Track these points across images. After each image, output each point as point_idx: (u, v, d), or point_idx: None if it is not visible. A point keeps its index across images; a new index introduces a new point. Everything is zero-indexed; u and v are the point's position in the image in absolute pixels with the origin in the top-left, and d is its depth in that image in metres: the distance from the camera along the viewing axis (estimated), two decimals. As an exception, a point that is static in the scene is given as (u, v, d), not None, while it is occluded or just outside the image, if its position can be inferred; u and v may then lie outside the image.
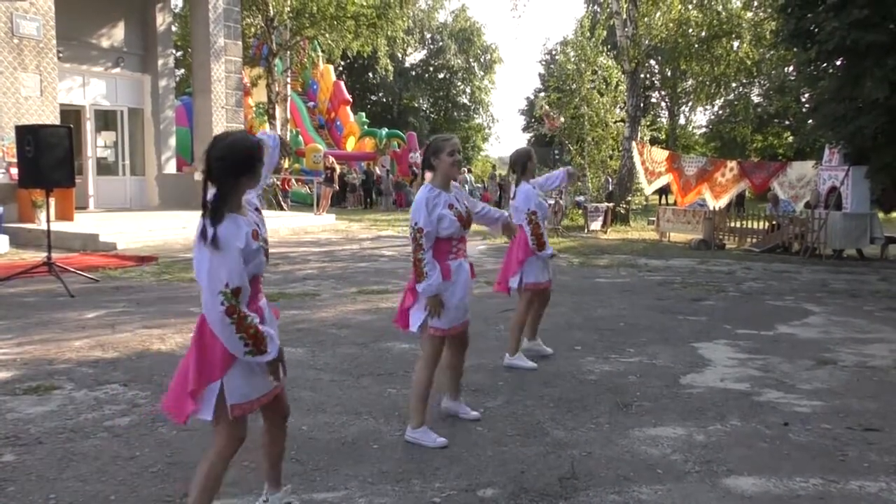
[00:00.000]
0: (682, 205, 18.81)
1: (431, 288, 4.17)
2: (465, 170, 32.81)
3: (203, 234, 2.72)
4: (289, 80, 29.49)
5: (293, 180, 26.60)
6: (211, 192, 2.81)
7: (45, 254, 9.58)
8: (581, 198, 23.06)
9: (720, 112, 45.45)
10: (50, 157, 9.41)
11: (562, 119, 24.22)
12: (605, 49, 24.65)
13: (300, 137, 32.14)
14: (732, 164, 18.46)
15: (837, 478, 3.86)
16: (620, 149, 22.96)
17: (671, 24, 22.67)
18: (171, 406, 2.88)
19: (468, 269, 4.43)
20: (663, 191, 25.82)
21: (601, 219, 19.74)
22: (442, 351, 4.40)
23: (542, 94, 36.74)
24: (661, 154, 20.00)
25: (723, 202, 18.08)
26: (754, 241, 16.04)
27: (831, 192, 14.88)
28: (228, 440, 2.89)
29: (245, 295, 2.76)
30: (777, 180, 17.07)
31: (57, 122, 14.56)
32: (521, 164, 6.02)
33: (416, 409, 4.30)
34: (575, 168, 5.57)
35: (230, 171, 2.80)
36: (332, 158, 23.72)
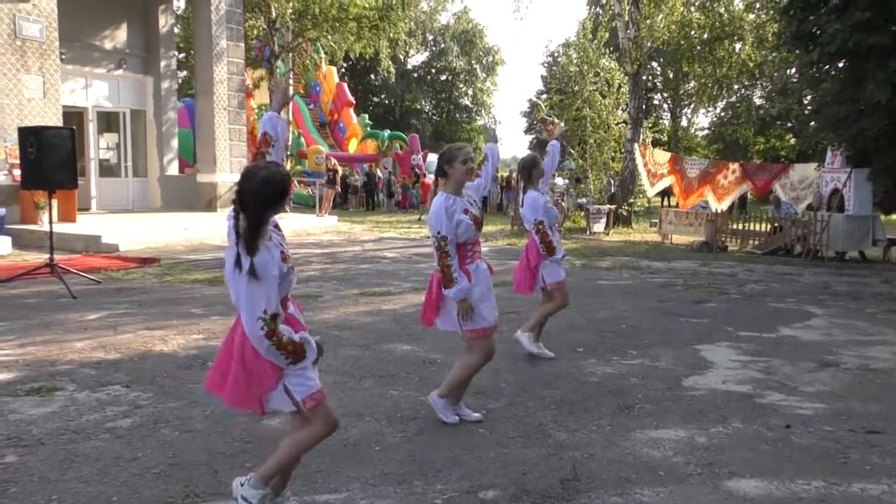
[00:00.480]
0: (684, 207, 18.81)
1: (462, 292, 4.37)
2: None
3: (238, 263, 2.89)
4: (291, 81, 29.52)
5: (295, 182, 26.61)
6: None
7: (47, 255, 9.59)
8: (583, 200, 23.06)
9: (722, 114, 45.42)
10: (52, 158, 9.42)
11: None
12: (608, 51, 24.67)
13: (302, 139, 32.16)
14: (735, 166, 18.46)
15: (840, 480, 3.85)
16: (622, 151, 22.96)
17: (673, 26, 22.67)
18: (240, 403, 3.12)
19: (486, 269, 4.60)
20: (665, 193, 25.79)
21: (603, 221, 19.74)
22: (493, 347, 4.61)
23: (545, 96, 36.77)
24: (663, 156, 20.01)
25: (725, 204, 18.08)
26: (756, 243, 16.03)
27: (833, 194, 14.87)
28: (323, 425, 3.16)
29: (281, 317, 2.97)
30: (779, 182, 17.08)
31: (60, 123, 14.57)
32: (526, 172, 6.13)
33: (456, 390, 4.62)
34: (561, 130, 5.45)
35: (263, 204, 2.94)
36: (333, 160, 23.73)
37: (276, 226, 3.21)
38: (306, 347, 3.02)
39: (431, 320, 4.61)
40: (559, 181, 22.91)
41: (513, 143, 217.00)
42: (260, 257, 2.90)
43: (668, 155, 20.34)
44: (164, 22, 20.64)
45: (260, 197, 2.92)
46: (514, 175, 32.71)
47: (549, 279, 6.25)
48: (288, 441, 3.25)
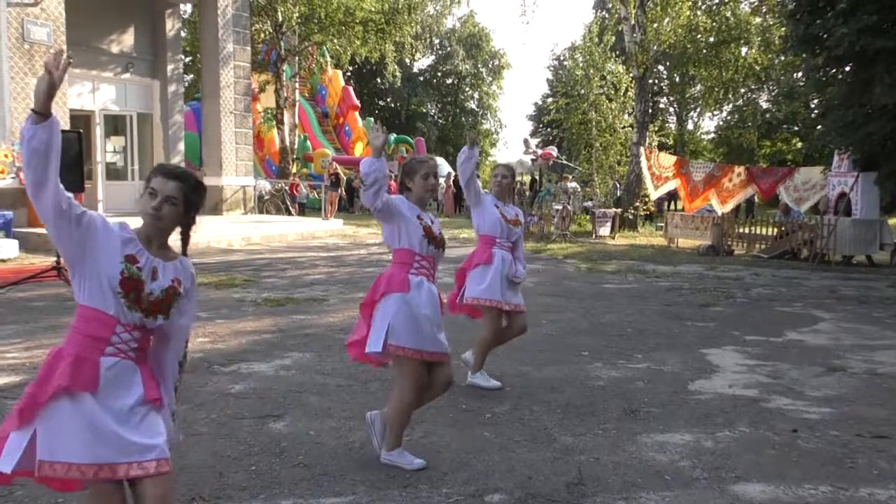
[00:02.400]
0: (689, 210, 18.79)
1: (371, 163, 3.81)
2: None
3: None
4: (297, 85, 29.60)
5: (301, 185, 26.67)
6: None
7: (53, 258, 9.62)
8: (589, 203, 23.05)
9: (728, 118, 45.36)
10: (59, 161, 9.43)
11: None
12: (614, 54, 24.65)
13: (308, 142, 32.22)
14: (740, 169, 18.43)
15: (847, 485, 3.84)
16: (628, 154, 22.94)
17: (680, 30, 22.65)
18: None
19: (434, 293, 4.02)
20: (671, 196, 25.78)
21: (609, 224, 19.72)
22: (420, 372, 3.93)
23: (550, 99, 36.75)
24: (668, 160, 19.99)
25: (729, 207, 18.07)
26: (763, 247, 16.00)
27: (840, 197, 14.83)
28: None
29: None
30: (783, 185, 17.04)
31: (67, 127, 14.61)
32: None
33: (394, 434, 3.97)
34: (473, 134, 5.28)
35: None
36: (335, 165, 23.71)
37: (190, 274, 2.81)
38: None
39: (361, 344, 3.94)
40: (570, 185, 22.92)
41: (518, 148, 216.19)
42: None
43: (673, 158, 20.33)
44: (171, 26, 20.70)
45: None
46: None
47: (467, 292, 5.37)
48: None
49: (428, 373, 4.01)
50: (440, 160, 34.93)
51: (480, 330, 5.50)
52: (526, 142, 25.64)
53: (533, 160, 25.12)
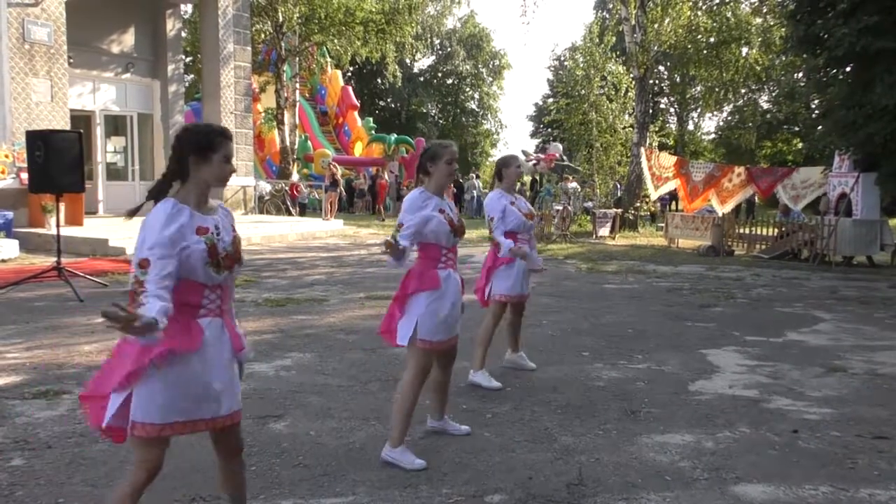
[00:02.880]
0: (688, 210, 18.79)
1: (394, 264, 4.04)
2: (474, 175, 32.84)
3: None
4: (297, 85, 29.61)
5: (302, 186, 26.70)
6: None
7: (54, 258, 9.62)
8: (589, 203, 23.05)
9: (729, 118, 45.36)
10: (60, 162, 9.44)
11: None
12: (614, 55, 24.65)
13: (309, 143, 32.23)
14: (740, 169, 18.44)
15: (847, 486, 3.83)
16: (629, 155, 22.94)
17: (680, 30, 22.66)
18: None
19: (458, 282, 4.23)
20: (673, 196, 25.80)
21: (609, 225, 19.72)
22: (430, 366, 4.16)
23: (551, 100, 36.76)
24: (668, 160, 19.99)
25: (728, 207, 18.07)
26: (763, 247, 15.99)
27: (841, 198, 14.83)
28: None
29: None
30: (781, 184, 17.04)
31: (67, 127, 14.63)
32: (497, 171, 5.98)
33: (399, 427, 4.03)
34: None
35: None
36: (333, 165, 23.66)
37: (229, 214, 2.93)
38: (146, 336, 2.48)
39: (392, 334, 4.16)
40: (571, 185, 22.94)
41: (518, 147, 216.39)
42: (164, 205, 2.68)
43: (673, 159, 20.32)
44: (172, 26, 20.69)
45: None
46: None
47: (495, 289, 5.68)
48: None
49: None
50: None
51: (484, 325, 5.69)
52: (524, 153, 25.71)
53: (535, 164, 25.13)
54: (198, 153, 2.72)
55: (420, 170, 4.18)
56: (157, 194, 2.76)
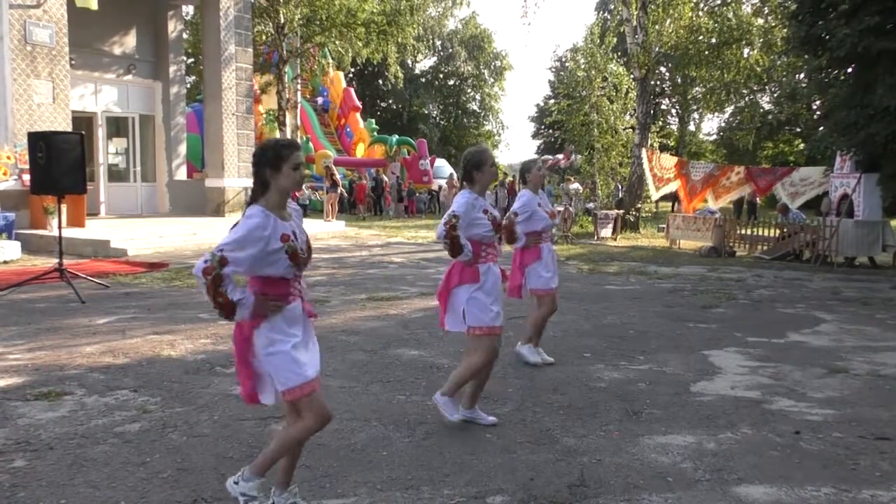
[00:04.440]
0: (687, 210, 18.80)
1: (468, 255, 4.48)
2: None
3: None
4: (299, 86, 29.61)
5: (304, 188, 26.71)
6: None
7: (56, 260, 9.63)
8: (591, 205, 23.05)
9: (730, 119, 45.31)
10: (62, 163, 9.45)
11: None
12: (616, 56, 24.65)
13: (310, 144, 32.23)
14: (740, 169, 18.45)
15: (849, 487, 3.83)
16: (630, 156, 22.94)
17: (681, 31, 22.65)
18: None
19: (498, 274, 4.66)
20: (675, 198, 25.83)
21: (611, 226, 19.72)
22: (493, 345, 4.58)
23: (553, 101, 36.79)
24: (670, 161, 19.99)
25: (721, 203, 18.16)
26: (765, 248, 15.98)
27: (843, 199, 14.82)
28: (313, 419, 3.27)
29: (229, 275, 3.03)
30: (780, 182, 17.04)
31: (69, 128, 14.65)
32: (521, 175, 6.48)
33: (456, 382, 4.63)
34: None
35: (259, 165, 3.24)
36: (331, 166, 23.61)
37: (299, 213, 3.41)
38: (237, 308, 3.07)
39: (443, 322, 4.70)
40: (573, 186, 22.95)
41: (520, 148, 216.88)
42: (253, 210, 3.14)
43: (674, 160, 20.33)
44: (173, 27, 20.74)
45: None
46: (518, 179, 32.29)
47: (529, 284, 6.23)
48: (280, 433, 3.47)
49: None
50: (442, 161, 34.95)
51: (538, 310, 6.31)
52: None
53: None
54: (271, 166, 3.15)
55: (466, 177, 4.66)
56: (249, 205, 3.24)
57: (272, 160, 3.15)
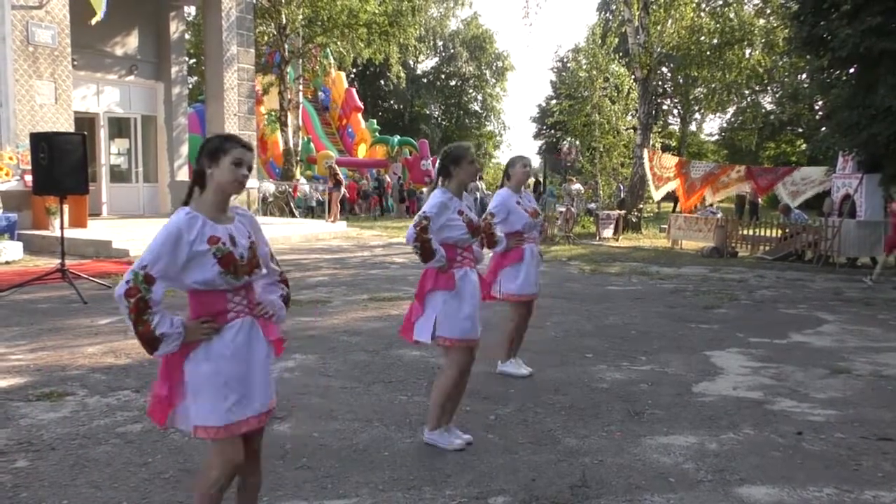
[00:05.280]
0: (684, 208, 18.82)
1: (441, 261, 4.16)
2: (477, 177, 32.87)
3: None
4: (301, 87, 29.61)
5: (306, 188, 26.71)
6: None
7: (58, 260, 9.64)
8: (593, 205, 23.04)
9: (732, 119, 45.31)
10: (64, 164, 9.46)
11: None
12: (617, 56, 24.63)
13: (311, 145, 32.24)
14: (740, 167, 18.46)
15: (851, 487, 3.83)
16: (632, 156, 22.93)
17: (683, 32, 22.65)
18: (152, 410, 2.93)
19: (475, 280, 4.35)
20: (676, 199, 25.85)
21: (612, 226, 19.71)
22: (466, 358, 4.27)
23: (554, 101, 36.80)
24: (670, 160, 19.99)
25: (719, 197, 18.21)
26: (767, 248, 15.97)
27: (845, 199, 14.80)
28: (216, 465, 2.84)
29: (158, 294, 2.67)
30: (781, 181, 17.04)
31: (71, 129, 14.65)
32: (504, 171, 6.05)
33: (435, 414, 4.28)
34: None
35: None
36: (332, 166, 23.62)
37: (251, 219, 2.97)
38: (160, 344, 2.69)
39: (409, 331, 4.31)
40: (575, 186, 22.94)
41: (522, 149, 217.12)
42: (176, 214, 2.73)
43: (675, 159, 20.33)
44: (175, 28, 20.73)
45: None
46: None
47: (502, 288, 5.71)
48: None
49: None
50: None
51: (508, 322, 5.89)
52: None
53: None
54: (209, 157, 2.77)
55: (442, 172, 4.32)
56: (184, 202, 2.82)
57: (212, 151, 2.76)
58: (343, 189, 23.30)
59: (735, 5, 23.27)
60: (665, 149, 27.07)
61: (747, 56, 24.15)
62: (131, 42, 19.56)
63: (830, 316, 8.89)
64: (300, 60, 28.79)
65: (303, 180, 27.11)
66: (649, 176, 19.71)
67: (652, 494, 3.70)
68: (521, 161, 5.83)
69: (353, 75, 46.16)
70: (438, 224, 4.16)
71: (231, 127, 19.74)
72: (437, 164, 4.37)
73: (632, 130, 23.36)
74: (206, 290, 2.72)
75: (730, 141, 45.35)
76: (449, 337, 4.17)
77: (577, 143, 24.74)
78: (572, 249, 16.73)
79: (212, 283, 2.71)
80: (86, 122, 17.80)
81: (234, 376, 2.73)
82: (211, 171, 2.76)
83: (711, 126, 59.49)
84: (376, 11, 25.93)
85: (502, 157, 60.58)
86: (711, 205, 20.43)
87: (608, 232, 19.55)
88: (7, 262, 11.95)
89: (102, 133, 18.81)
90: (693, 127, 49.00)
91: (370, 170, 31.48)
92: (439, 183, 4.34)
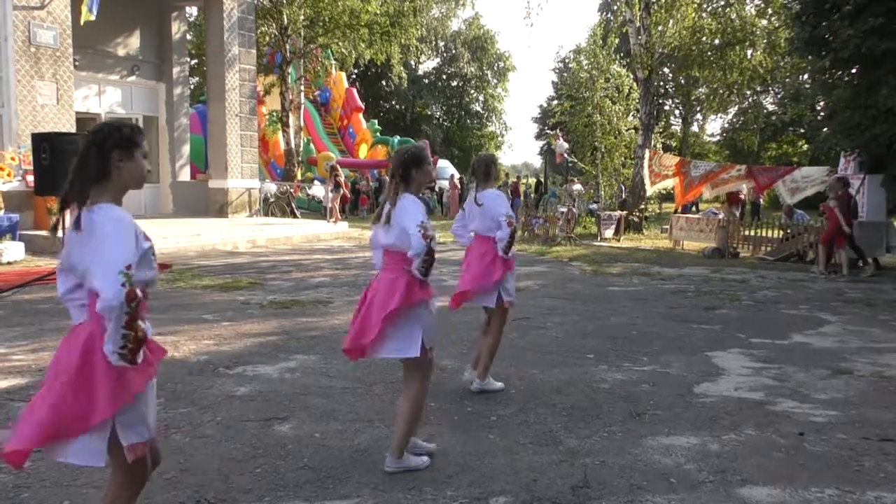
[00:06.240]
0: (680, 203, 18.85)
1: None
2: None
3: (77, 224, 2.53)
4: (302, 87, 29.65)
5: (308, 189, 26.73)
6: None
7: (59, 261, 9.63)
8: (594, 206, 23.03)
9: (734, 120, 45.30)
10: (65, 164, 9.43)
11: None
12: (618, 57, 24.62)
13: (312, 145, 32.26)
14: (741, 166, 18.48)
15: (853, 488, 3.82)
16: (633, 157, 22.92)
17: (684, 32, 22.63)
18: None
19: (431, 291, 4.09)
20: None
21: (614, 227, 19.70)
22: (431, 368, 4.13)
23: (555, 101, 36.80)
24: (671, 159, 19.99)
25: (717, 192, 18.24)
26: (768, 249, 15.95)
27: (847, 200, 14.78)
28: (130, 482, 2.75)
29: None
30: (781, 180, 17.04)
31: (73, 129, 14.68)
32: (483, 170, 5.57)
33: (406, 438, 3.96)
34: None
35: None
36: (336, 168, 23.63)
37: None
38: (142, 352, 2.47)
39: (370, 347, 3.92)
40: (576, 187, 22.92)
41: (523, 149, 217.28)
42: (109, 208, 2.49)
43: (676, 159, 20.33)
44: (177, 29, 20.77)
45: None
46: (520, 181, 32.55)
47: (507, 296, 5.41)
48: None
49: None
50: (445, 162, 34.99)
51: (496, 332, 5.44)
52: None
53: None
54: (121, 148, 2.56)
55: (403, 176, 3.95)
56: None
57: (125, 142, 2.55)
58: (343, 190, 23.32)
59: (736, 6, 23.23)
60: (666, 149, 27.06)
61: (749, 57, 24.10)
62: (133, 43, 19.59)
63: (832, 317, 8.88)
64: (301, 61, 28.83)
65: (317, 183, 27.14)
66: (646, 172, 19.72)
67: (653, 495, 3.70)
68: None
69: (354, 76, 46.20)
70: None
71: (233, 127, 19.77)
72: (395, 168, 3.96)
73: (633, 130, 23.34)
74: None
75: (731, 141, 45.32)
76: (431, 346, 3.95)
77: (566, 145, 24.70)
78: (574, 250, 16.72)
79: (152, 282, 2.58)
80: (87, 123, 17.79)
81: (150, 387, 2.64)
82: (122, 164, 2.54)
83: (713, 126, 59.41)
84: (378, 12, 25.97)
85: (504, 157, 60.66)
86: (718, 205, 20.46)
87: (609, 232, 19.55)
88: (9, 263, 11.96)
89: (104, 133, 18.81)
90: (695, 127, 49.01)
91: (371, 170, 31.49)
92: (399, 189, 3.93)
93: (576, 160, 25.33)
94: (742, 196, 20.90)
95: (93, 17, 15.26)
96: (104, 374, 2.45)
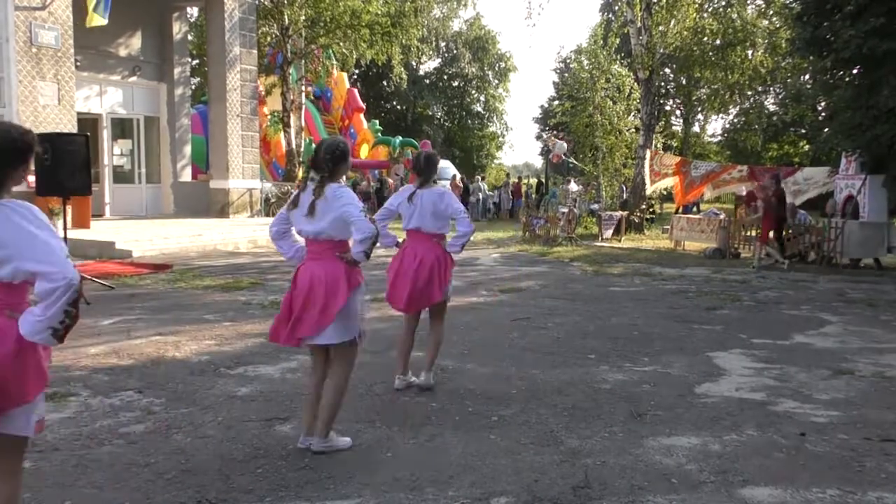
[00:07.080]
0: (679, 203, 18.84)
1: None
2: (479, 178, 32.91)
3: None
4: (303, 88, 29.63)
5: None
6: None
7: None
8: (595, 206, 23.02)
9: (735, 120, 45.26)
10: (67, 165, 9.49)
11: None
12: (619, 57, 24.59)
13: (313, 146, 32.24)
14: (743, 167, 18.48)
15: (855, 489, 3.82)
16: (634, 157, 22.91)
17: (686, 32, 22.62)
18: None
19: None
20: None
21: (615, 227, 19.69)
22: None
23: (556, 102, 36.80)
24: (671, 159, 19.99)
25: (719, 192, 18.24)
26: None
27: (848, 200, 14.78)
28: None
29: None
30: (783, 181, 17.05)
31: (74, 130, 14.67)
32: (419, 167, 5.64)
33: (330, 417, 4.18)
34: None
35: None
36: None
37: None
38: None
39: (313, 330, 4.09)
40: (573, 186, 22.90)
41: (524, 150, 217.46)
42: (24, 204, 2.56)
43: (676, 158, 20.33)
44: (178, 29, 20.77)
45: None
46: (521, 181, 32.52)
47: (450, 289, 5.58)
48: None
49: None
50: (446, 162, 34.98)
51: (438, 327, 5.57)
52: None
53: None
54: (25, 155, 2.63)
55: (331, 169, 4.10)
56: None
57: (26, 149, 2.61)
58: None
59: (737, 6, 23.23)
60: (667, 149, 27.05)
61: (750, 57, 24.09)
62: (134, 43, 19.60)
63: (833, 317, 8.87)
64: (303, 61, 28.82)
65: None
66: (647, 172, 19.72)
67: (654, 495, 3.69)
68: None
69: (355, 76, 46.17)
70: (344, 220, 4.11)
71: (234, 128, 19.77)
72: (323, 159, 4.07)
73: (634, 131, 23.33)
74: (24, 282, 2.58)
75: (732, 142, 45.27)
76: (361, 332, 4.28)
77: (565, 145, 24.69)
78: (574, 250, 16.72)
79: None
80: (89, 123, 17.83)
81: None
82: (22, 168, 2.60)
83: (714, 127, 59.42)
84: (379, 12, 25.95)
85: (505, 157, 60.65)
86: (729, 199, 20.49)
87: (610, 233, 19.55)
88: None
89: (105, 134, 18.84)
90: (696, 128, 48.94)
91: (372, 170, 31.46)
92: (325, 180, 4.08)
93: (575, 161, 25.32)
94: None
95: (104, 21, 15.26)
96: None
